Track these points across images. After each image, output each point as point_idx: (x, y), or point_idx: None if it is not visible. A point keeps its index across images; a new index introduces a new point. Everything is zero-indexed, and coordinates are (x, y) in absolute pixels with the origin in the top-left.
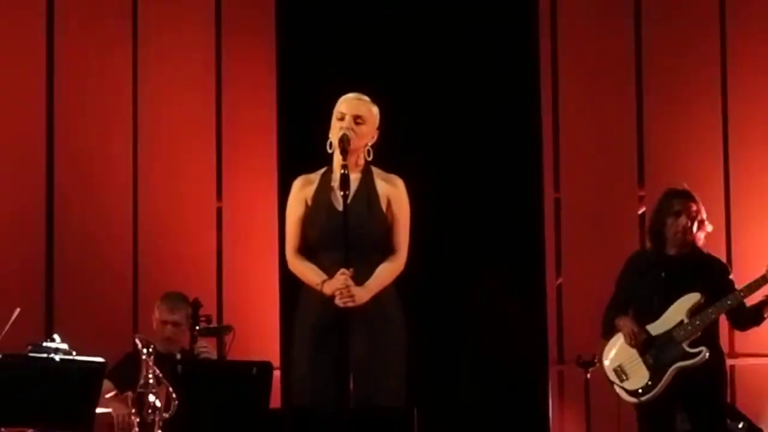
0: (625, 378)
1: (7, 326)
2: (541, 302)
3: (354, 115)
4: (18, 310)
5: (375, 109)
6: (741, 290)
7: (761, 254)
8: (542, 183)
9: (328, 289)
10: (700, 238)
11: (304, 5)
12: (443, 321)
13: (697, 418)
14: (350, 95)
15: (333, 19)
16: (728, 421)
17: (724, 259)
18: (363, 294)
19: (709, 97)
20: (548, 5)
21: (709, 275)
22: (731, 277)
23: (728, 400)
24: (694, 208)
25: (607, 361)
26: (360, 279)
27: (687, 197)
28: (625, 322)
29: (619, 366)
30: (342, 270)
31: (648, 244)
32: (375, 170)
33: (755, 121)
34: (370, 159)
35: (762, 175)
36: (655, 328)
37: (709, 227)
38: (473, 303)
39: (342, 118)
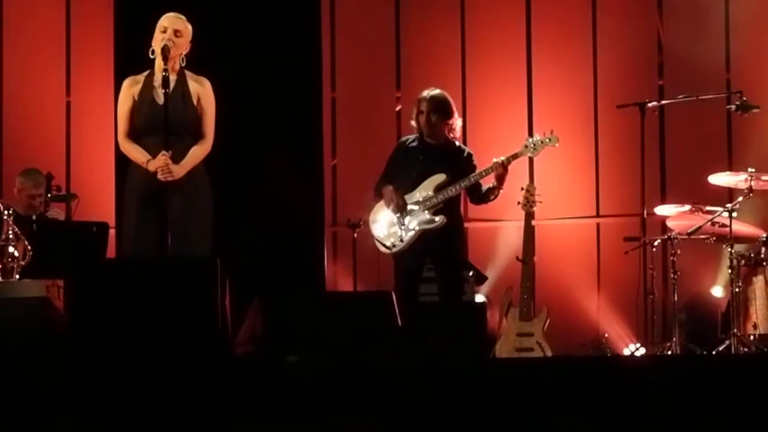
0: (382, 234)
1: None
2: (320, 178)
3: (174, 29)
4: None
5: (189, 27)
6: (473, 175)
7: (490, 147)
8: (321, 85)
9: (152, 166)
10: (454, 130)
11: None
12: (241, 191)
13: (440, 266)
14: (171, 14)
15: None
16: (462, 270)
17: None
18: (179, 170)
19: (450, 16)
20: None
21: (456, 160)
22: (475, 162)
23: (464, 254)
24: (427, 107)
25: (371, 220)
26: (177, 158)
27: (423, 99)
28: (387, 190)
29: (379, 224)
30: (163, 152)
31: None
32: (187, 73)
33: (486, 37)
34: (183, 65)
35: (490, 82)
36: (410, 197)
37: (458, 122)
38: (265, 177)
39: (164, 31)
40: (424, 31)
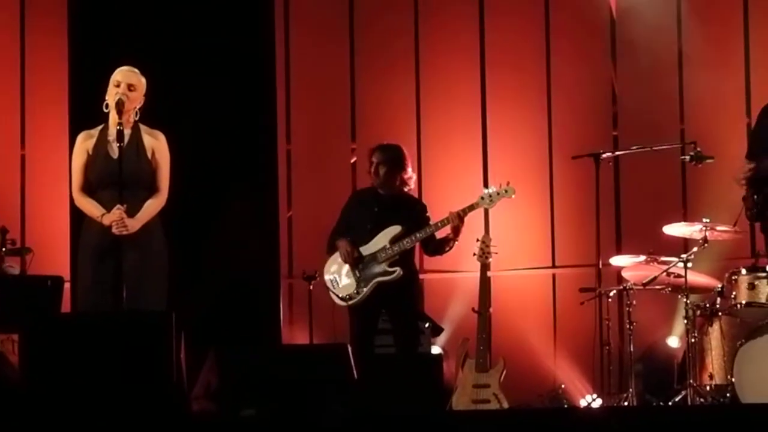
0: (337, 286)
1: None
2: (275, 230)
3: (128, 84)
4: None
5: (143, 79)
6: (429, 227)
7: (445, 197)
8: (276, 137)
9: (106, 220)
10: (408, 182)
11: (91, 3)
12: (196, 244)
13: (395, 318)
14: (124, 68)
15: (112, 13)
16: (418, 322)
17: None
18: (134, 224)
19: (405, 69)
20: None
21: (411, 212)
22: (428, 214)
23: (420, 306)
24: (378, 159)
25: (326, 273)
26: (131, 212)
27: (376, 151)
28: (342, 243)
29: (335, 277)
30: (117, 206)
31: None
32: (142, 127)
33: (441, 88)
34: (138, 118)
35: (445, 132)
36: (365, 249)
37: (413, 175)
38: (220, 231)
39: (118, 85)
40: (379, 82)
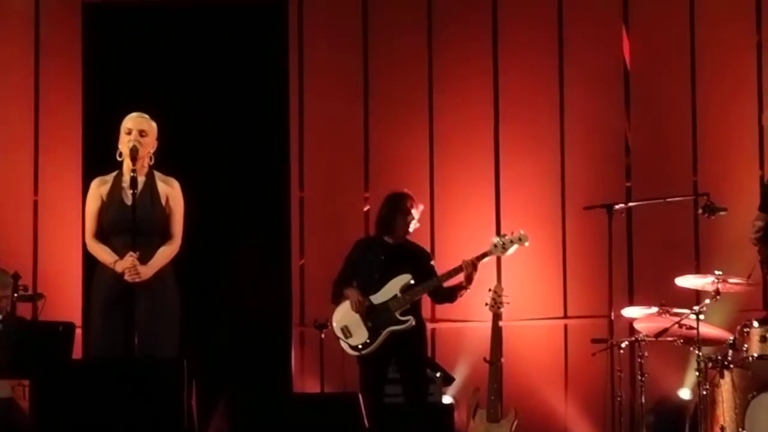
0: (349, 336)
1: None
2: (287, 278)
3: (139, 130)
4: None
5: (154, 124)
6: (442, 276)
7: (457, 246)
8: (289, 185)
9: (119, 267)
10: (410, 226)
11: (104, 50)
12: (209, 292)
13: (405, 368)
14: (134, 114)
15: (126, 60)
16: (428, 371)
17: (428, 248)
18: (147, 271)
19: (419, 119)
20: (296, 37)
21: (418, 261)
22: (432, 263)
23: (429, 355)
24: (420, 208)
25: (335, 322)
26: (144, 259)
27: (413, 199)
28: (351, 292)
29: (345, 326)
30: (130, 252)
31: (373, 233)
32: (156, 173)
33: (455, 139)
34: (152, 164)
35: (458, 183)
36: (375, 298)
37: (417, 224)
38: (232, 278)
39: (129, 133)
40: (393, 131)
